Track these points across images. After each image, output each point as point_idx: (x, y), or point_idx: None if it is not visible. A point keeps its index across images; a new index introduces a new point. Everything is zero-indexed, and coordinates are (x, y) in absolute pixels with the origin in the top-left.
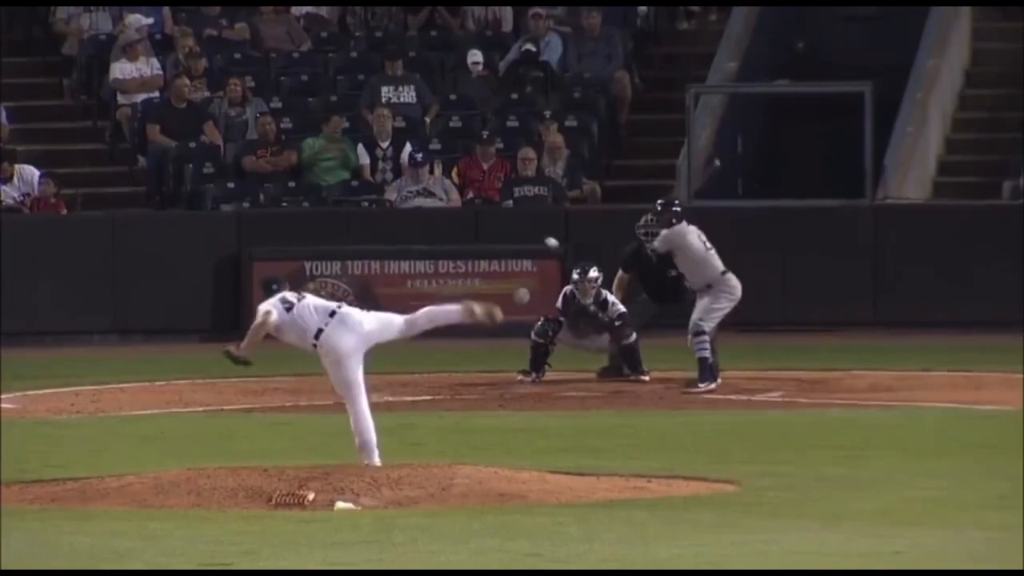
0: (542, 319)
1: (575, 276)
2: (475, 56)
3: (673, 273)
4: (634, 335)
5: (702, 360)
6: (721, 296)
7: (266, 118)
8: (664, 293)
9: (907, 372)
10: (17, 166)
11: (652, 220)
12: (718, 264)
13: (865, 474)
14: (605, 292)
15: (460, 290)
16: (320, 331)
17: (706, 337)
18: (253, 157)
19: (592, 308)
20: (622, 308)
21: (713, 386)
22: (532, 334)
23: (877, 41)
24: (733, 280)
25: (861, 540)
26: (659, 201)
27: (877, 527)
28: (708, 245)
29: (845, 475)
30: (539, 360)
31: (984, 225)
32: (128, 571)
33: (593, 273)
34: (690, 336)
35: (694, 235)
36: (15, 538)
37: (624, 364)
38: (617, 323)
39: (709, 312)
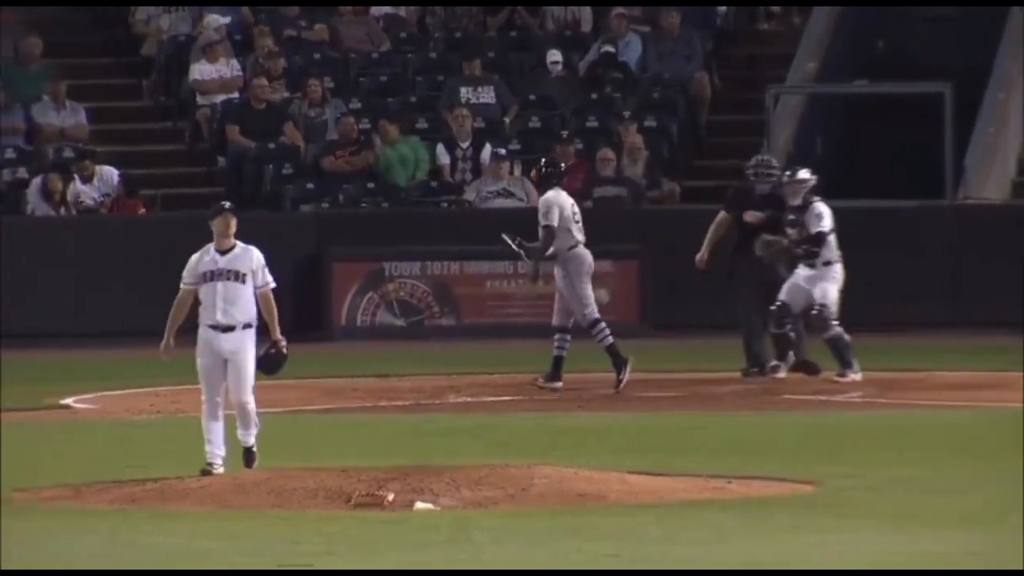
0: (772, 308)
1: (785, 177)
2: (554, 56)
3: (770, 213)
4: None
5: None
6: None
7: (348, 118)
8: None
9: (987, 372)
10: (97, 167)
11: (765, 160)
12: (575, 235)
13: (944, 476)
14: (815, 198)
15: (538, 291)
16: None
17: (603, 324)
18: (332, 157)
19: (791, 217)
20: (827, 226)
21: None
22: (771, 327)
23: (957, 42)
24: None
25: (938, 542)
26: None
27: (954, 529)
28: (577, 218)
29: (923, 476)
30: (785, 348)
31: None
32: (142, 571)
33: (804, 174)
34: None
35: (566, 202)
36: (93, 539)
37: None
38: (814, 236)
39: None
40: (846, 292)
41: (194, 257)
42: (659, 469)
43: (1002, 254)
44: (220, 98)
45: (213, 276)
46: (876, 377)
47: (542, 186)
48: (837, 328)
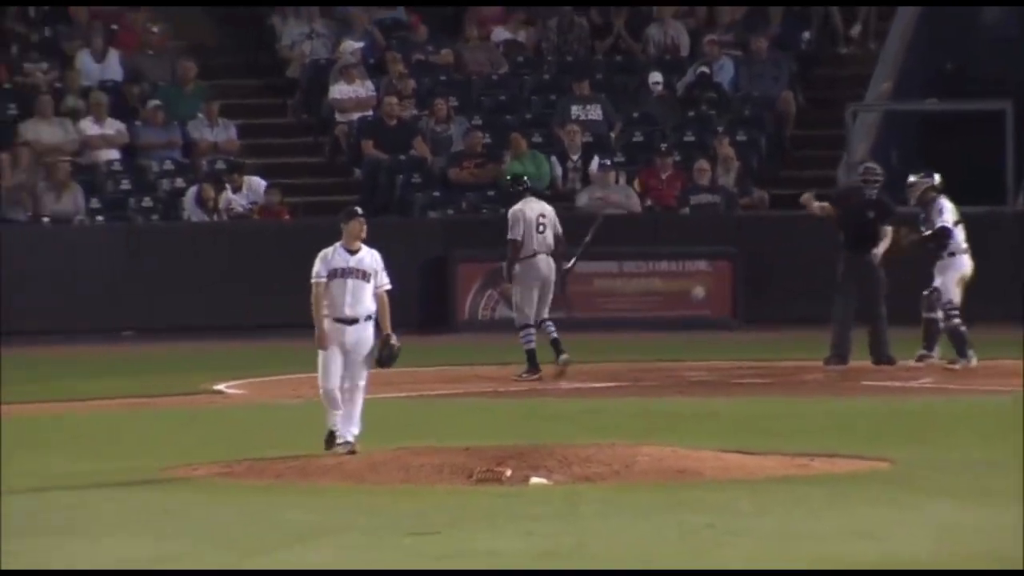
0: (925, 292)
1: (911, 179)
2: (655, 77)
3: (871, 215)
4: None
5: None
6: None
7: (475, 133)
8: (859, 239)
9: None
10: (246, 177)
11: (871, 168)
12: (531, 245)
13: (1009, 455)
14: (936, 195)
15: (641, 288)
16: None
17: (530, 330)
18: (458, 168)
19: (921, 215)
20: (948, 220)
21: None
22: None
23: (1018, 60)
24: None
25: (1003, 514)
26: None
27: (1019, 504)
28: (540, 228)
29: (990, 456)
30: (933, 337)
31: None
32: (137, 571)
33: (912, 178)
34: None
35: (533, 212)
36: (240, 511)
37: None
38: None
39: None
40: (917, 292)
41: (323, 254)
42: (750, 448)
43: None
44: (356, 115)
45: (344, 273)
46: (947, 365)
47: (511, 200)
48: (955, 319)
